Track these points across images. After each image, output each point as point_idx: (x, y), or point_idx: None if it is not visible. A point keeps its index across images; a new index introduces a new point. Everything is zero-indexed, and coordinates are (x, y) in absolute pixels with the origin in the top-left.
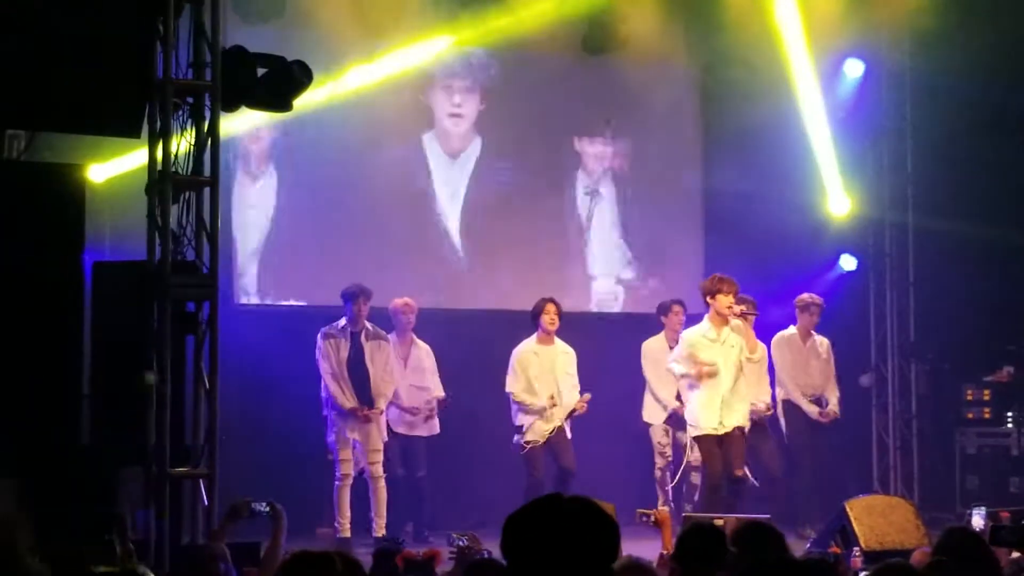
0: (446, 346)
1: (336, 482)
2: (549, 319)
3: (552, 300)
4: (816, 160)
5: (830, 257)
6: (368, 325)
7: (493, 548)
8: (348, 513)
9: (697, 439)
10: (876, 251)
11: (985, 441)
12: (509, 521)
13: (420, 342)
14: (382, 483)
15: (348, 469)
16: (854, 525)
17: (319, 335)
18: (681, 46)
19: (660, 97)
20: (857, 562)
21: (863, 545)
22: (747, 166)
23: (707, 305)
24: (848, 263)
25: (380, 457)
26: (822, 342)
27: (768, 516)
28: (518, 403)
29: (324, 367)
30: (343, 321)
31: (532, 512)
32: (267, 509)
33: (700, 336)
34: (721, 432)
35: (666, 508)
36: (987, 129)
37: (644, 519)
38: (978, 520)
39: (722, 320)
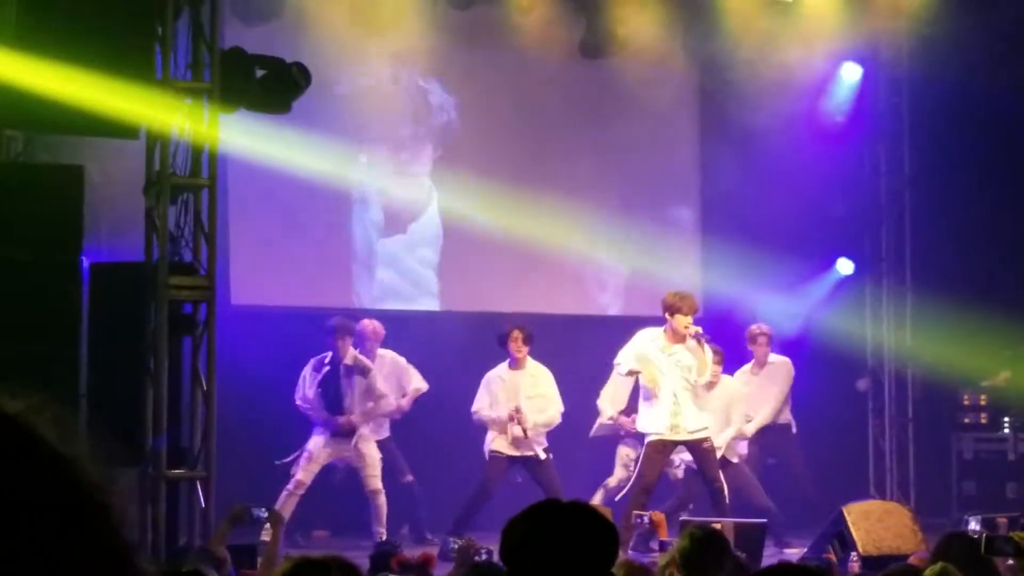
0: (443, 350)
1: (288, 486)
2: (516, 347)
3: (518, 326)
4: (812, 162)
5: (827, 261)
6: (349, 359)
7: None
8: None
9: (648, 443)
10: (873, 255)
11: (982, 446)
12: (509, 526)
13: (382, 353)
14: (381, 498)
15: (306, 479)
16: (852, 530)
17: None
18: (679, 48)
19: (658, 98)
20: (855, 567)
21: (860, 550)
22: (745, 168)
23: (665, 320)
24: (845, 267)
25: (372, 475)
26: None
27: (764, 521)
28: (480, 419)
29: (298, 395)
30: (328, 355)
31: (530, 517)
32: (266, 514)
33: (651, 341)
34: (673, 437)
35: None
36: (984, 133)
37: (640, 520)
38: (974, 527)
39: (677, 338)
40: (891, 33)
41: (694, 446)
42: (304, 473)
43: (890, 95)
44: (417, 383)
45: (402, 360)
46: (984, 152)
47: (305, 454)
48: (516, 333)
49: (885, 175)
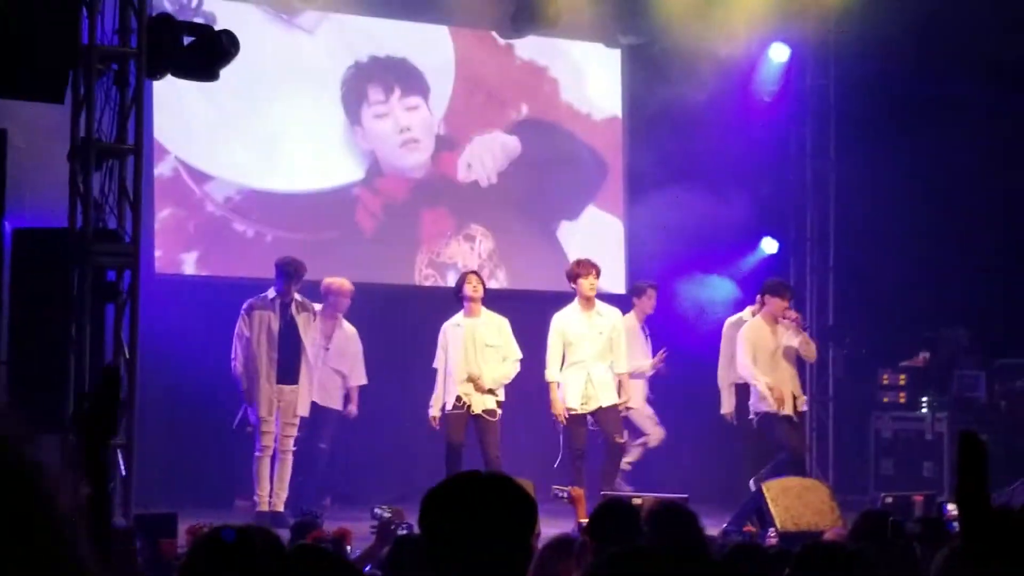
0: (376, 323)
1: (256, 453)
2: (472, 287)
3: (473, 272)
4: (739, 142)
5: (752, 239)
6: (296, 296)
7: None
8: (267, 486)
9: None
10: (797, 235)
11: (900, 425)
12: (427, 496)
13: (347, 325)
14: (290, 457)
15: (268, 441)
16: (770, 506)
17: (243, 309)
18: (608, 25)
19: (585, 76)
20: (772, 542)
21: (779, 526)
22: (671, 147)
23: (573, 290)
24: (769, 246)
25: (294, 432)
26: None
27: (686, 496)
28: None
29: (239, 345)
30: (272, 292)
31: (450, 487)
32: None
33: (569, 318)
34: (587, 411)
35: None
36: (911, 115)
37: (559, 494)
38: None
39: (587, 303)
40: (819, 14)
41: (599, 411)
42: (266, 437)
43: (817, 77)
44: (359, 379)
45: (359, 345)
46: (910, 134)
47: (256, 424)
48: (472, 276)
49: (811, 156)
